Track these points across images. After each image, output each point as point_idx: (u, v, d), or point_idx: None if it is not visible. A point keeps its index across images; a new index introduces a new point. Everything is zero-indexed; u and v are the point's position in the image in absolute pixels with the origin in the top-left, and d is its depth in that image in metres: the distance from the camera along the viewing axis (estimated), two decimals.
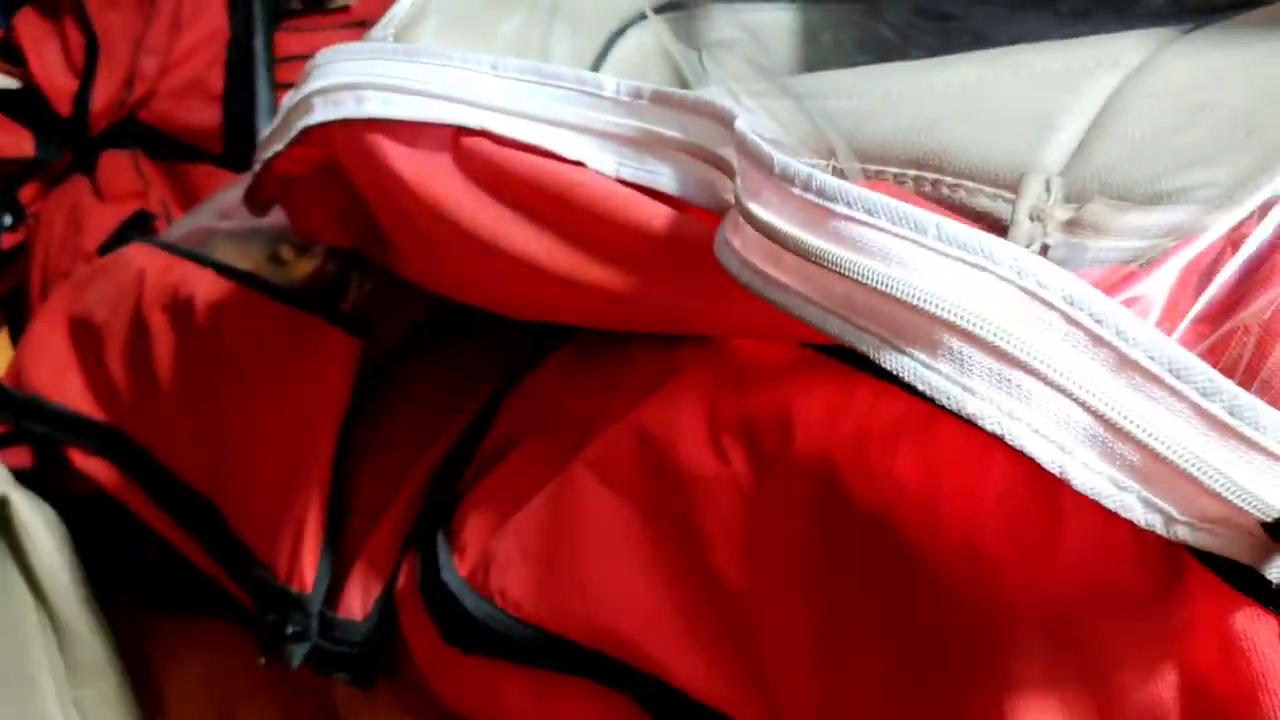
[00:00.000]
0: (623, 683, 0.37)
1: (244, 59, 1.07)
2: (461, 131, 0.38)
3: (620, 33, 0.48)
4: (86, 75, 1.06)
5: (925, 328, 0.24)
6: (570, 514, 0.38)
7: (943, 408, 0.24)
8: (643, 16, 0.48)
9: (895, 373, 0.24)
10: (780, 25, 0.46)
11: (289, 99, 0.44)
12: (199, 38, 1.09)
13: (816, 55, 0.42)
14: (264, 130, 0.97)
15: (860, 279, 0.24)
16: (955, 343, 0.23)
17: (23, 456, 1.16)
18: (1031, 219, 0.28)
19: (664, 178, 0.35)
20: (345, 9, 1.17)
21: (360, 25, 1.18)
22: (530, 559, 0.39)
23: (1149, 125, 0.29)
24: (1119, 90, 0.31)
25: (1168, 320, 0.25)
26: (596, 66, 0.48)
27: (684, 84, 0.47)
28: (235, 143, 1.11)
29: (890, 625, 0.30)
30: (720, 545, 0.34)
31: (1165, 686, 0.26)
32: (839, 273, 0.25)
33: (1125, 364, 0.23)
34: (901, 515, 0.29)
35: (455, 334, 0.52)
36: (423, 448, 0.49)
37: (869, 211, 0.25)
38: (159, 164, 1.12)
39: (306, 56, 1.16)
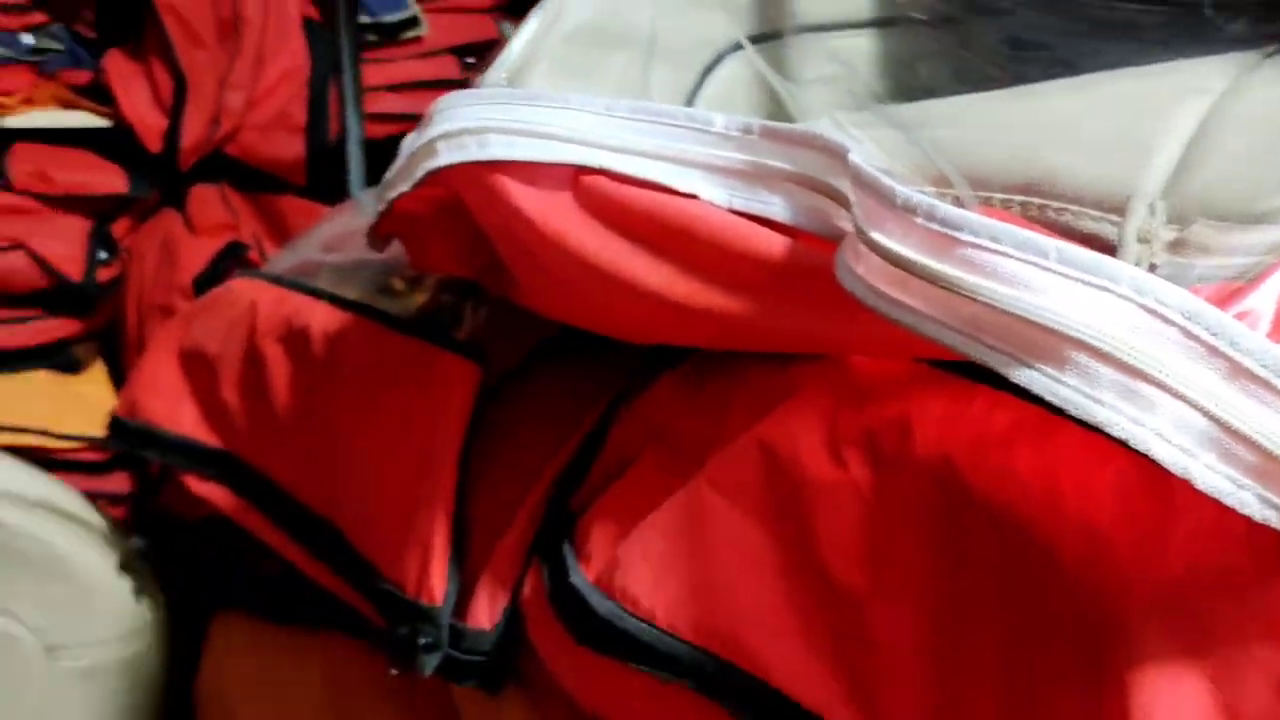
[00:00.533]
0: (723, 691, 0.39)
1: (325, 92, 1.11)
2: (581, 170, 0.41)
3: (713, 65, 0.51)
4: (175, 112, 1.10)
5: (1053, 345, 0.26)
6: (692, 522, 0.41)
7: (1068, 416, 0.26)
8: (736, 47, 0.51)
9: (1025, 386, 0.26)
10: (870, 52, 0.49)
11: (410, 142, 0.47)
12: (281, 73, 1.13)
13: (913, 83, 0.44)
14: (356, 179, 1.00)
15: (990, 302, 0.27)
16: (1082, 358, 0.26)
17: (121, 482, 1.21)
18: (1139, 240, 0.30)
19: (775, 207, 0.38)
20: (418, 40, 1.21)
21: (431, 55, 1.23)
22: (653, 562, 0.41)
23: (1242, 148, 0.32)
24: (1210, 115, 0.33)
25: (1277, 332, 0.28)
26: (692, 98, 0.51)
27: (777, 112, 0.50)
28: (318, 173, 1.16)
29: (1010, 615, 0.32)
30: (837, 549, 0.36)
31: (1277, 657, 0.28)
32: (968, 296, 0.27)
33: (1238, 372, 0.25)
34: (1023, 510, 0.31)
35: (565, 355, 0.55)
36: (539, 465, 0.52)
37: (993, 239, 0.27)
38: (246, 196, 1.16)
39: (384, 86, 1.20)
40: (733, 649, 0.38)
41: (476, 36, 1.25)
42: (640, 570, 0.42)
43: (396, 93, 1.20)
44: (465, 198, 0.45)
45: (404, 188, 0.46)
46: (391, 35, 1.20)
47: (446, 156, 0.44)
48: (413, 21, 1.21)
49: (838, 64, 0.45)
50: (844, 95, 0.43)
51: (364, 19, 1.15)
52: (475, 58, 1.26)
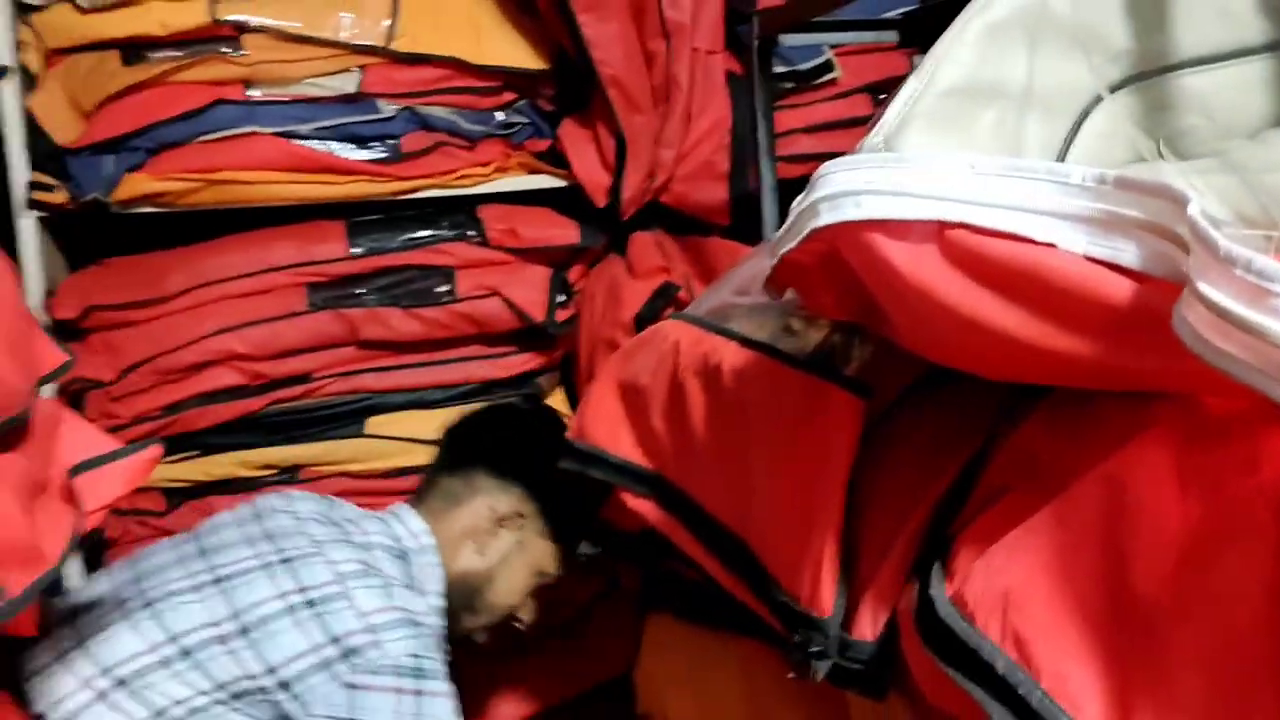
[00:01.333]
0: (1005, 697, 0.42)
1: (746, 141, 1.21)
2: (945, 225, 0.45)
3: (1088, 112, 0.53)
4: (618, 170, 1.25)
5: None
6: (1028, 542, 0.43)
7: None
8: (1102, 97, 0.52)
9: None
10: (1247, 84, 0.49)
11: (798, 202, 0.53)
12: (706, 127, 1.24)
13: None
14: (770, 224, 1.08)
15: None
16: None
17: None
18: None
19: (1127, 254, 0.40)
20: (833, 82, 1.28)
21: (847, 95, 1.28)
22: (988, 574, 0.45)
23: None
24: None
25: None
26: (1067, 147, 0.53)
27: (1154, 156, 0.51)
28: (740, 215, 1.26)
29: None
30: (1150, 571, 0.38)
31: None
32: (1277, 345, 0.29)
33: None
34: None
35: (939, 389, 0.59)
36: (919, 491, 0.56)
37: None
38: (677, 239, 1.29)
39: (802, 130, 1.27)
40: (1022, 649, 0.41)
41: (888, 73, 1.29)
42: (976, 582, 0.46)
43: (812, 134, 1.27)
44: (843, 252, 0.51)
45: (791, 244, 0.53)
46: (807, 80, 1.27)
47: (827, 217, 0.49)
48: (827, 66, 1.27)
49: (1202, 106, 0.46)
50: (1204, 141, 0.44)
51: (781, 68, 1.23)
52: (888, 94, 1.30)
